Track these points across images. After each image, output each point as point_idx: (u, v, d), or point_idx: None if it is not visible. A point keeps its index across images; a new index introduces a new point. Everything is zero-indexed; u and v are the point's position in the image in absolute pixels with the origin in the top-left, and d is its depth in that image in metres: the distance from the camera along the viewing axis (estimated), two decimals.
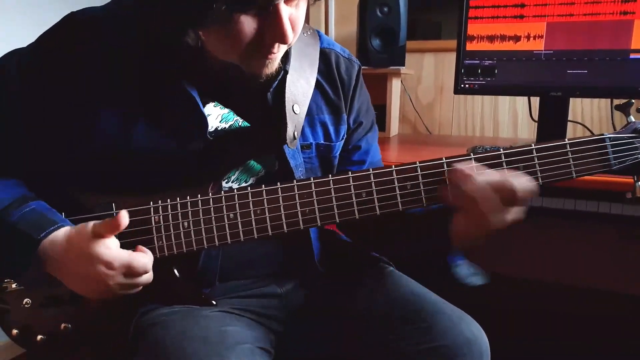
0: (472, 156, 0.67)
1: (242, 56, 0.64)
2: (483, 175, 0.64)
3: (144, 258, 0.67)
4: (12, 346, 0.78)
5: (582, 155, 0.65)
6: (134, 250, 0.68)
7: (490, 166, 0.67)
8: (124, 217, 0.66)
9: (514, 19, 1.37)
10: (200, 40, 0.63)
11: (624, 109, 0.64)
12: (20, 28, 1.57)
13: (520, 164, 0.66)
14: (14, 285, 0.76)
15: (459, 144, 1.67)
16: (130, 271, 0.66)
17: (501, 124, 1.90)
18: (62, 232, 0.66)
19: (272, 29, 0.61)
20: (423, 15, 2.05)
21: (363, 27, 1.68)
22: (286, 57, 0.74)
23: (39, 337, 0.75)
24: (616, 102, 1.57)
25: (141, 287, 0.68)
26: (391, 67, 1.70)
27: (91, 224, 0.66)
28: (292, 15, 0.63)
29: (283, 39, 0.62)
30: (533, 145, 0.66)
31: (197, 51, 0.64)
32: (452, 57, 1.88)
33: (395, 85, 1.79)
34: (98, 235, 0.65)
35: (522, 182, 0.63)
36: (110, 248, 0.65)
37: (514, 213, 0.65)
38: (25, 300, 0.74)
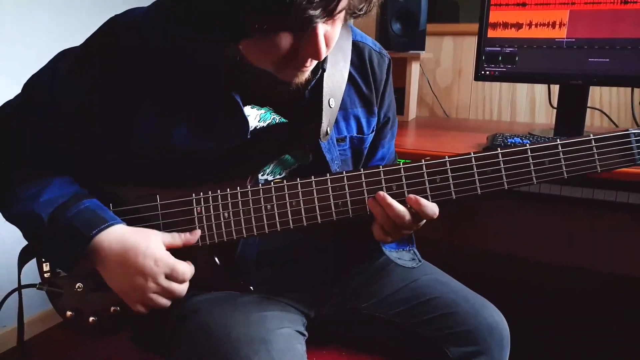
0: (499, 151, 0.70)
1: (277, 66, 0.66)
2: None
3: (186, 267, 0.73)
4: (46, 317, 0.83)
5: (606, 150, 0.68)
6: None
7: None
8: (198, 235, 0.75)
9: (536, 6, 1.36)
10: (238, 49, 0.65)
11: None
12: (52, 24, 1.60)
13: (545, 159, 0.69)
14: None
15: (477, 129, 1.68)
16: (172, 275, 0.72)
17: (519, 109, 1.90)
18: (119, 231, 0.72)
19: (307, 47, 0.62)
20: None
21: (383, 11, 1.68)
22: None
23: (91, 318, 0.80)
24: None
25: (171, 300, 0.73)
26: (411, 52, 1.71)
27: (162, 234, 0.75)
28: (327, 32, 0.64)
29: (317, 57, 0.63)
30: (559, 140, 0.68)
31: (234, 58, 0.66)
32: (471, 40, 1.88)
33: (415, 69, 1.80)
34: (167, 240, 0.73)
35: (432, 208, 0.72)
36: (163, 251, 0.72)
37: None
38: (78, 284, 0.80)
